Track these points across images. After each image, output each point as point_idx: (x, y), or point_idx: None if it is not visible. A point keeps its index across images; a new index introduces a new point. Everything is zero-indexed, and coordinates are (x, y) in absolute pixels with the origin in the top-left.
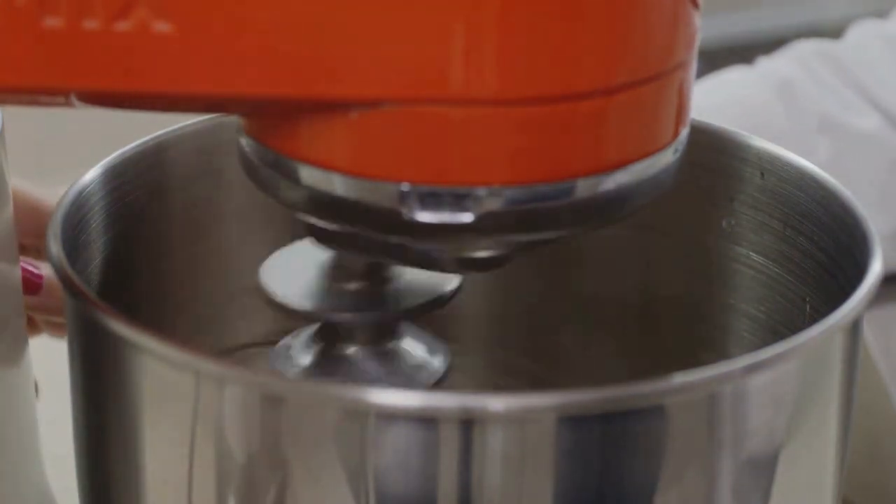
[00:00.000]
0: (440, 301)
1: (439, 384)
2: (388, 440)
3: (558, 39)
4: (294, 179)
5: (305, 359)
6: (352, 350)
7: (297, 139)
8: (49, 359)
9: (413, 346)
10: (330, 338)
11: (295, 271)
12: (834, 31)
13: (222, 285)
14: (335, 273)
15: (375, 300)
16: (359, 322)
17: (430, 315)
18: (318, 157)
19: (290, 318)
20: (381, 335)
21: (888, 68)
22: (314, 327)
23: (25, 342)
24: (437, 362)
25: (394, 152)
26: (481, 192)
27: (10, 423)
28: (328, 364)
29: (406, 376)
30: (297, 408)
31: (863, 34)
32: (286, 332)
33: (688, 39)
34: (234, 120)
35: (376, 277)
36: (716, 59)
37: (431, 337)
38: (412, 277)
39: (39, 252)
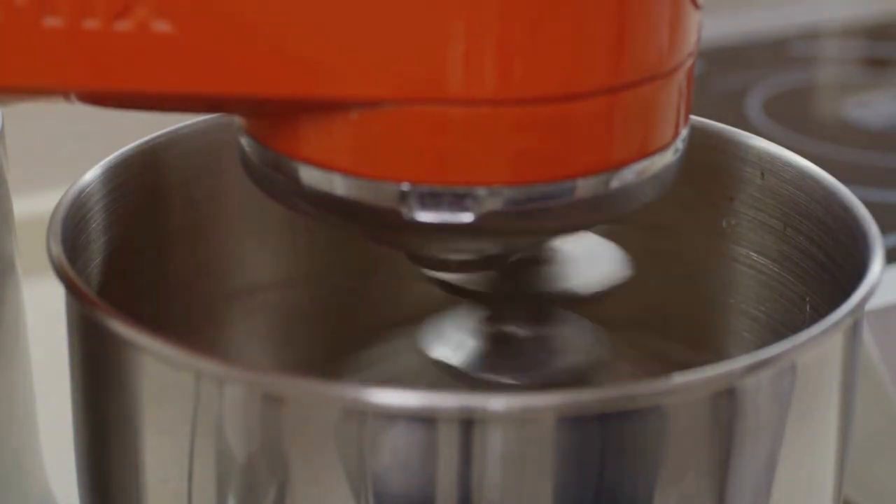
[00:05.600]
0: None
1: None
2: (388, 440)
3: (559, 39)
4: (294, 179)
5: (467, 339)
6: (514, 330)
7: (297, 139)
8: (49, 357)
9: (572, 330)
10: (488, 318)
11: None
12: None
13: (222, 285)
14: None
15: (539, 280)
16: (530, 300)
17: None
18: (318, 157)
19: (451, 294)
20: (541, 318)
21: None
22: (461, 308)
23: (24, 333)
24: (599, 347)
25: (394, 152)
26: (481, 192)
27: (9, 422)
28: (495, 345)
29: (570, 360)
30: (297, 408)
31: None
32: (286, 333)
33: (689, 39)
34: (234, 120)
35: (531, 259)
36: (716, 59)
37: (583, 320)
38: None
39: None
